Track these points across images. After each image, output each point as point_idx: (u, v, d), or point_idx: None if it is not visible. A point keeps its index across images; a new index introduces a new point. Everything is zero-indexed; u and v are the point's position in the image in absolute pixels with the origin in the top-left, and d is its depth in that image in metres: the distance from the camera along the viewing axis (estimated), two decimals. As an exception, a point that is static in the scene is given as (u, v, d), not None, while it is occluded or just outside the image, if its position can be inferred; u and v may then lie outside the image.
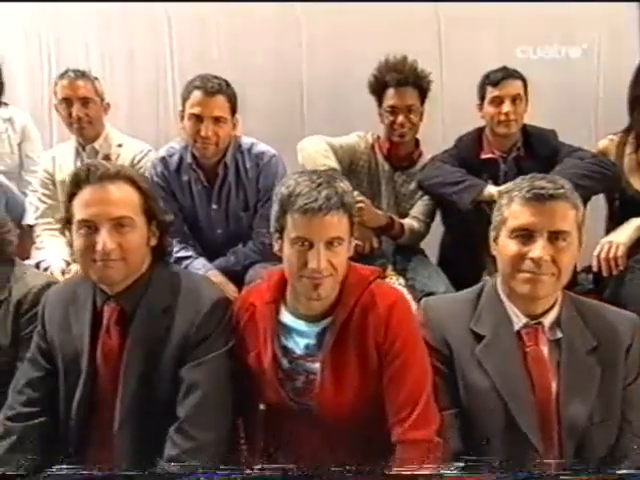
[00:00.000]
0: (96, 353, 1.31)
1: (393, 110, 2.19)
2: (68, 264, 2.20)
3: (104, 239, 1.23)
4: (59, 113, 2.30)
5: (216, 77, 1.96)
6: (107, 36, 3.15)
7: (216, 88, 1.92)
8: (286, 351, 1.31)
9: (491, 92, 2.14)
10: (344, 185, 1.23)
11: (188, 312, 1.31)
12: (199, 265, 2.00)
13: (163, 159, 2.07)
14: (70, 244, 1.35)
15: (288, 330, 1.32)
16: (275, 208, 1.26)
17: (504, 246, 1.27)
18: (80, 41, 3.16)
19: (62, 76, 2.27)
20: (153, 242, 1.35)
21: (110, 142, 2.34)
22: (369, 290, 1.29)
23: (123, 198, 1.27)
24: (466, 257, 2.07)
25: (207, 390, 1.26)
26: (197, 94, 1.93)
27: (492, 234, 1.33)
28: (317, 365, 1.28)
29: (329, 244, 1.21)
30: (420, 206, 2.26)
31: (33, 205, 2.36)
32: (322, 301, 1.27)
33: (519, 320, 1.30)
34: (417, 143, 2.33)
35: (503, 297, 1.32)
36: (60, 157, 2.34)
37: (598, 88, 2.87)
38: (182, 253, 2.02)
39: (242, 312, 1.37)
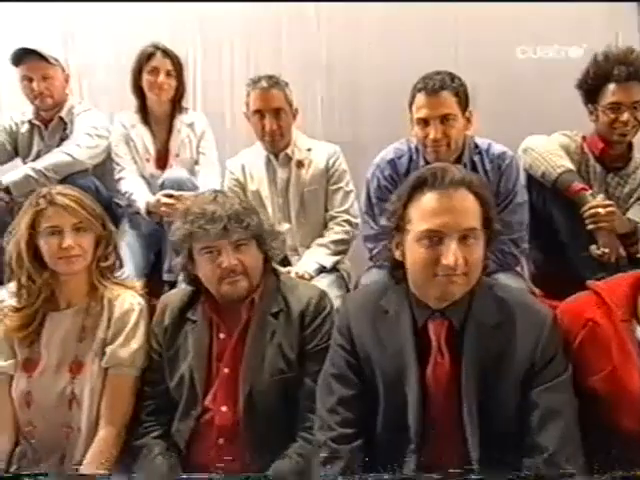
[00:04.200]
0: (425, 372, 1.22)
1: (616, 107, 2.02)
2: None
3: (454, 252, 1.13)
4: (250, 121, 2.18)
5: (439, 73, 1.80)
6: (253, 38, 3.13)
7: (439, 85, 1.76)
8: None
9: None
10: None
11: (528, 330, 1.20)
12: None
13: (392, 161, 1.93)
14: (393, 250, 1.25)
15: None
16: None
17: None
18: (225, 44, 3.14)
19: (255, 85, 2.13)
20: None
21: (300, 147, 2.24)
22: None
23: (470, 207, 1.17)
24: None
25: (569, 418, 1.15)
26: (420, 97, 1.79)
27: None
28: None
29: None
30: (639, 210, 2.10)
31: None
32: None
33: None
34: (630, 143, 2.17)
35: None
36: (250, 165, 2.25)
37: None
38: None
39: (576, 329, 1.25)
